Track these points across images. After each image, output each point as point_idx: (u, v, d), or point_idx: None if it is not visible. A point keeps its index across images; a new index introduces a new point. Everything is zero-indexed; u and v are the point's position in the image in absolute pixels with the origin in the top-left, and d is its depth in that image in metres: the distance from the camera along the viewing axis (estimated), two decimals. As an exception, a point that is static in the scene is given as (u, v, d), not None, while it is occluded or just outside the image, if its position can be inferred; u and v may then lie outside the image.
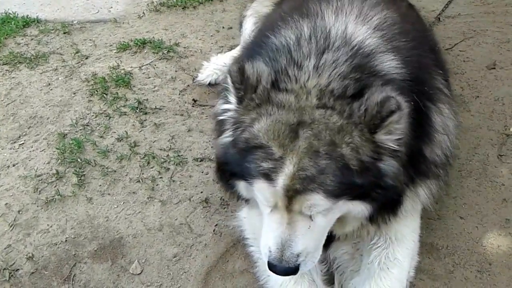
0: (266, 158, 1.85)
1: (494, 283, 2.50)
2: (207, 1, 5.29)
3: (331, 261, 2.55)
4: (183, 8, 5.20)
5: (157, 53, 4.41)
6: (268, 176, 1.85)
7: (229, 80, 2.00)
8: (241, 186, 2.17)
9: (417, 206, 2.50)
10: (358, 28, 2.15)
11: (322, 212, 1.93)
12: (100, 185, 3.16)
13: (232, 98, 2.02)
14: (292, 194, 1.84)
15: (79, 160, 3.32)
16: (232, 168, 2.07)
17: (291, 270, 2.00)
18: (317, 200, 1.85)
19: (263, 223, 2.10)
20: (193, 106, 3.81)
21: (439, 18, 4.57)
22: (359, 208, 2.01)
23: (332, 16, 2.20)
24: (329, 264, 2.56)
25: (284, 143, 1.84)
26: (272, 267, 2.01)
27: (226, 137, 2.08)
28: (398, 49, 2.17)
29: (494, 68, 3.91)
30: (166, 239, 2.83)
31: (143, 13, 5.16)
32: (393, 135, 1.86)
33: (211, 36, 4.69)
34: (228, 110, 2.07)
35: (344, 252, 2.55)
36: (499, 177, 3.02)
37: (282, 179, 1.82)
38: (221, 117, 2.15)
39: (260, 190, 1.93)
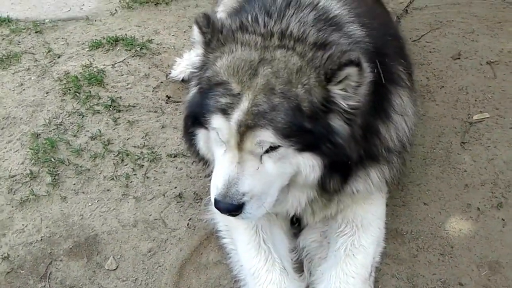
0: (225, 94, 1.96)
1: (456, 265, 2.62)
2: (179, -3, 5.32)
3: (300, 250, 2.65)
4: (155, 4, 5.23)
5: (130, 50, 4.42)
6: (225, 111, 1.96)
7: (195, 28, 2.12)
8: (201, 136, 2.27)
9: (380, 193, 2.63)
10: (331, 3, 2.27)
11: (272, 156, 2.02)
12: (74, 184, 3.20)
13: (199, 46, 2.15)
14: (244, 130, 1.94)
15: (52, 159, 3.35)
16: (194, 112, 2.16)
17: (234, 207, 2.05)
18: (266, 137, 1.94)
19: (215, 166, 2.19)
20: (166, 103, 3.85)
21: (406, 10, 4.69)
22: (310, 163, 2.07)
23: None
24: (299, 253, 2.65)
25: (243, 80, 1.96)
26: (216, 203, 2.08)
27: (192, 89, 2.23)
28: (363, 24, 2.28)
29: (459, 58, 4.04)
30: (140, 235, 2.89)
31: (116, 10, 5.17)
32: (347, 93, 1.96)
33: (184, 32, 4.72)
34: (195, 63, 2.21)
35: (313, 240, 2.65)
36: (461, 164, 3.14)
37: (237, 114, 1.93)
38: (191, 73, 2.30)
39: (217, 126, 2.02)
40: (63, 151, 3.43)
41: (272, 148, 2.01)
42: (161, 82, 4.07)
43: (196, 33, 2.19)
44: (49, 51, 4.50)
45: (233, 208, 2.06)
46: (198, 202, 3.04)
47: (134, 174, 3.24)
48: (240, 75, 1.97)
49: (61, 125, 3.66)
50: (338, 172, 2.15)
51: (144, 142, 3.48)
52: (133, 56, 4.37)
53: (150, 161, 3.33)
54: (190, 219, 2.95)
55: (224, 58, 2.05)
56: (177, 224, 2.93)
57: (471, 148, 3.24)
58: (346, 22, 2.22)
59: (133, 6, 5.22)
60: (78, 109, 3.79)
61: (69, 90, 3.97)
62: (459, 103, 3.63)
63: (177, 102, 3.83)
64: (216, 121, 2.01)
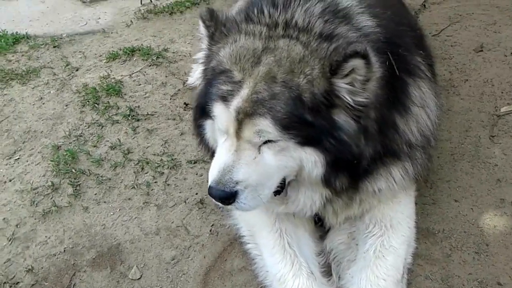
0: (226, 82, 1.96)
1: (493, 263, 2.50)
2: (193, 5, 5.33)
3: (328, 253, 2.56)
4: (170, 14, 5.23)
5: (146, 60, 4.42)
6: (225, 98, 1.94)
7: (200, 23, 2.16)
8: (208, 128, 2.25)
9: (408, 191, 2.52)
10: None
11: (271, 148, 1.96)
12: (96, 194, 3.18)
13: (205, 41, 2.17)
14: (242, 118, 1.91)
15: (73, 170, 3.34)
16: (201, 103, 2.15)
17: (226, 195, 1.99)
18: (264, 126, 1.89)
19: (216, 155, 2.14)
20: (184, 110, 3.82)
21: (424, 5, 4.58)
22: (312, 158, 1.99)
23: None
24: (326, 256, 2.56)
25: (245, 67, 1.94)
26: (210, 189, 2.03)
27: (201, 83, 2.25)
28: (375, 15, 2.20)
29: (482, 51, 3.92)
30: (163, 243, 2.84)
31: (131, 21, 5.19)
32: (353, 88, 1.89)
33: (200, 39, 4.69)
34: (201, 57, 2.26)
35: (341, 242, 2.56)
36: (491, 158, 3.02)
37: (236, 101, 1.91)
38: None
39: (217, 114, 2.00)
40: (83, 162, 3.42)
41: (271, 140, 1.96)
42: (179, 89, 4.05)
43: (201, 28, 2.22)
44: (67, 65, 4.54)
45: (225, 196, 2.00)
46: (220, 208, 2.98)
47: (155, 182, 3.21)
48: (243, 63, 1.96)
49: (81, 136, 3.66)
50: (345, 171, 2.06)
51: (163, 150, 3.45)
52: (150, 66, 4.37)
53: (170, 168, 3.29)
54: (212, 225, 2.89)
55: (227, 48, 2.05)
56: (200, 231, 2.87)
57: (500, 142, 3.11)
58: (356, 13, 2.14)
59: (148, 16, 5.24)
60: (97, 120, 3.79)
61: (88, 101, 3.98)
62: (485, 96, 3.50)
63: (195, 108, 3.80)
64: (217, 108, 2.00)
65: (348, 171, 2.06)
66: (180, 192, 3.12)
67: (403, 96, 2.21)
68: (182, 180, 3.21)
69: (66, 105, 4.02)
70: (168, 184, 3.19)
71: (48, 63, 4.64)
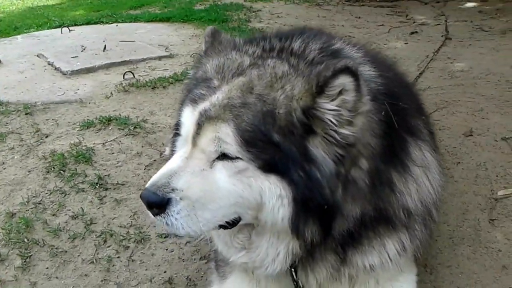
0: (203, 87, 1.80)
1: None
2: (177, 82, 5.25)
3: None
4: (152, 88, 5.13)
5: (123, 129, 4.19)
6: (195, 101, 1.77)
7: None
8: (178, 143, 1.98)
9: (409, 274, 2.19)
10: (343, 45, 2.05)
11: (227, 166, 1.68)
12: (48, 268, 2.73)
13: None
14: (203, 121, 1.70)
15: (25, 240, 2.91)
16: (177, 118, 1.96)
17: (156, 199, 1.68)
18: (224, 134, 1.65)
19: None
20: (159, 181, 3.51)
21: (409, 91, 4.58)
22: (277, 190, 1.66)
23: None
24: None
25: (226, 77, 1.81)
26: (142, 191, 1.74)
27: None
28: (377, 67, 2.01)
29: (472, 135, 3.84)
30: (121, 329, 2.38)
31: (111, 93, 5.04)
32: (341, 114, 1.64)
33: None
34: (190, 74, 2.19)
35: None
36: (494, 243, 2.75)
37: (204, 104, 1.73)
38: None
39: (183, 120, 1.81)
40: (38, 231, 3.01)
41: (229, 157, 1.68)
42: (154, 160, 3.78)
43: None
44: (37, 131, 4.26)
45: (154, 200, 1.69)
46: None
47: (118, 257, 2.80)
48: (225, 73, 1.82)
49: (40, 203, 3.27)
50: (315, 217, 1.72)
51: (131, 222, 3.07)
52: (126, 135, 4.12)
53: (137, 242, 2.90)
54: (181, 309, 2.47)
55: (216, 59, 1.93)
56: (166, 316, 2.44)
57: (502, 225, 2.87)
58: (358, 63, 1.93)
59: (129, 90, 5.11)
60: (60, 187, 3.43)
61: (53, 168, 3.65)
62: (479, 179, 3.33)
63: (171, 180, 3.50)
64: (184, 112, 1.81)
65: (319, 219, 1.72)
66: (146, 270, 2.71)
67: (402, 153, 1.94)
68: (150, 255, 2.81)
69: (29, 171, 3.68)
70: (132, 260, 2.77)
71: (17, 129, 4.36)
